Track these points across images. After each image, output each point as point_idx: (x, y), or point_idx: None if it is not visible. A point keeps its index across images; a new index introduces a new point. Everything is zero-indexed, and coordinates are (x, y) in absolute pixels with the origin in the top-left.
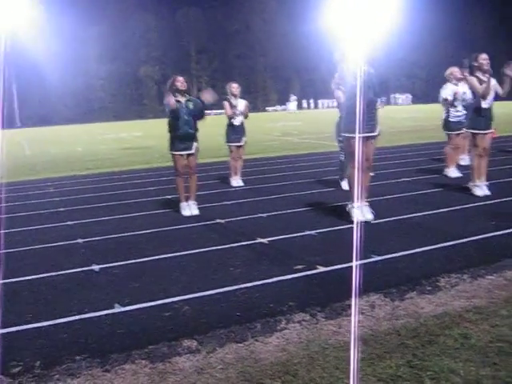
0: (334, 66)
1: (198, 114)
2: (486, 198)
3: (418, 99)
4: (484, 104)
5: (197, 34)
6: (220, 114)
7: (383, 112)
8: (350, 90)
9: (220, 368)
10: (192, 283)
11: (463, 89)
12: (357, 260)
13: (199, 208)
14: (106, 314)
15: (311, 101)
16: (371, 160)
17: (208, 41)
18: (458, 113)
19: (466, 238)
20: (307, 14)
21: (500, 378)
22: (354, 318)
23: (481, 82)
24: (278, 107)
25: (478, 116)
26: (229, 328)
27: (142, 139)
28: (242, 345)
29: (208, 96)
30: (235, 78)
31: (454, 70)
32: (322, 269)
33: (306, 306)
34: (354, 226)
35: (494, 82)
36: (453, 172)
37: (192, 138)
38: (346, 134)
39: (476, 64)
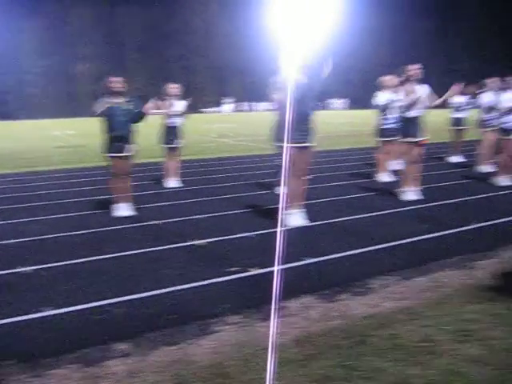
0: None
1: (136, 116)
2: (416, 202)
3: (354, 104)
4: (415, 113)
5: (135, 33)
6: (156, 113)
7: (320, 117)
8: (283, 101)
9: (153, 371)
10: (125, 285)
11: (397, 97)
12: (278, 266)
13: (135, 209)
14: (36, 318)
15: (249, 103)
16: (305, 168)
17: (146, 39)
18: (391, 120)
19: (396, 241)
20: (248, 16)
21: (427, 376)
22: (273, 322)
23: (410, 92)
24: (215, 108)
25: (410, 124)
26: (162, 331)
27: (75, 138)
28: (175, 347)
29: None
30: (173, 77)
31: (388, 79)
32: (257, 271)
33: (241, 308)
34: (278, 233)
35: (426, 90)
36: (384, 177)
37: (127, 140)
38: (278, 144)
39: (406, 74)
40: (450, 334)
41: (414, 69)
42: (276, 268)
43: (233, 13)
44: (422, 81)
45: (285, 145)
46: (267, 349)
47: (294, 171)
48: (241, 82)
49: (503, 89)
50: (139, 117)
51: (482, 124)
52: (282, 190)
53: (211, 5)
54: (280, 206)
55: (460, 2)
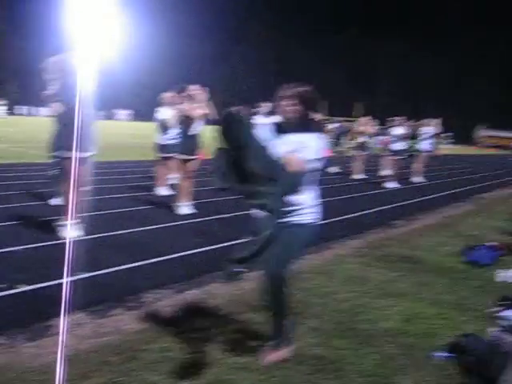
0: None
1: None
2: (191, 216)
3: (138, 116)
4: (191, 131)
5: None
6: None
7: (104, 127)
8: (71, 106)
9: None
10: None
11: (175, 114)
12: (66, 278)
13: None
14: None
15: (28, 107)
16: (84, 179)
17: None
18: (170, 136)
19: (171, 254)
20: (28, 14)
21: None
22: (61, 337)
23: (187, 110)
24: None
25: (186, 141)
26: None
27: None
28: None
29: None
30: None
31: (169, 95)
32: (25, 288)
33: (5, 328)
34: (66, 243)
35: (205, 110)
36: (163, 190)
37: None
38: (57, 153)
39: (186, 93)
40: (220, 344)
41: (194, 89)
42: (64, 281)
43: (10, 10)
44: (202, 101)
45: (73, 154)
46: (34, 371)
47: (74, 182)
48: (17, 83)
49: (271, 112)
50: None
51: None
52: (66, 199)
53: None
54: (66, 216)
55: (245, 30)
